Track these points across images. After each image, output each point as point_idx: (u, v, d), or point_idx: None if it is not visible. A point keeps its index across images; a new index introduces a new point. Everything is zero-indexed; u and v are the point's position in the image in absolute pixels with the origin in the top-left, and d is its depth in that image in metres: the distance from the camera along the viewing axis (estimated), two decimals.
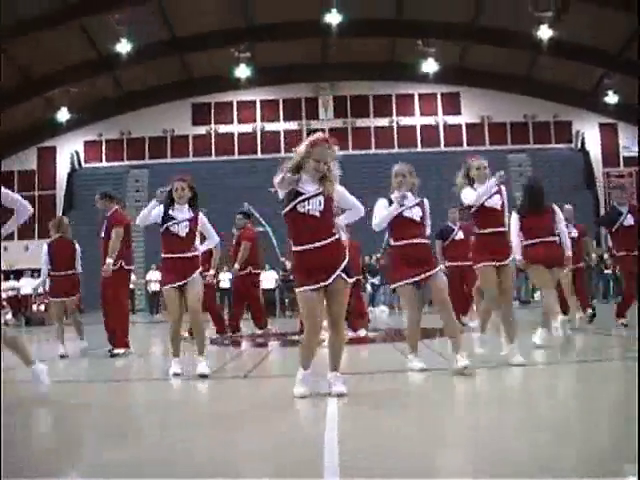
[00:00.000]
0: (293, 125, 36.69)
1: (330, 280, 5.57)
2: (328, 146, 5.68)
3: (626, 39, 29.24)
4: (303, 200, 5.60)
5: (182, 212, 7.67)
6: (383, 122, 36.48)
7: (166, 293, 7.49)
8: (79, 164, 36.47)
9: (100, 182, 34.08)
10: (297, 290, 5.65)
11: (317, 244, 5.56)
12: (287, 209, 5.63)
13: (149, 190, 34.68)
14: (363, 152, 35.45)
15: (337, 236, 5.68)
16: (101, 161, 37.20)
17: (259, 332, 13.31)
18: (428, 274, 6.78)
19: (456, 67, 34.43)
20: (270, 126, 36.97)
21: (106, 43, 30.14)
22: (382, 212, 7.01)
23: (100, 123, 36.83)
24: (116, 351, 9.98)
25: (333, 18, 29.34)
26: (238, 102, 37.15)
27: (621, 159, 34.90)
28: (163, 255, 7.56)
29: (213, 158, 36.61)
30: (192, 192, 7.85)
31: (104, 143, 37.36)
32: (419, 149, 35.70)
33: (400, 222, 7.01)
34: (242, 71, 33.83)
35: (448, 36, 31.77)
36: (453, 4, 28.20)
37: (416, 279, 6.82)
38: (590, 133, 35.53)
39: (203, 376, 7.02)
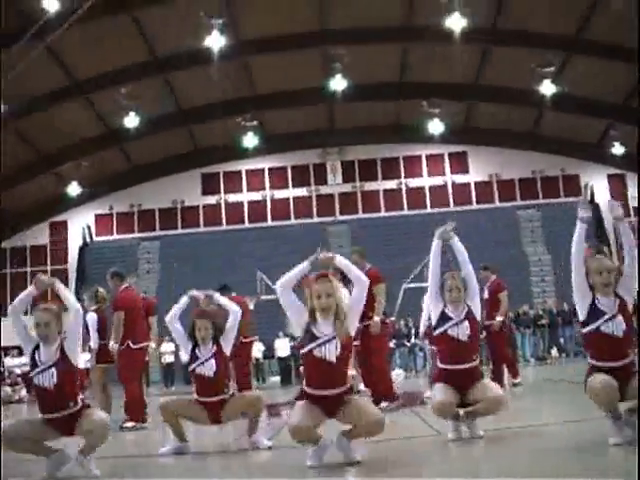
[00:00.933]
0: (302, 191, 36.84)
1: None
2: (328, 279, 5.59)
3: (629, 90, 29.37)
4: (319, 345, 5.48)
5: (207, 350, 7.17)
6: (391, 184, 36.56)
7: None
8: (90, 237, 36.61)
9: (111, 256, 34.29)
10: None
11: (328, 392, 5.47)
12: (304, 351, 5.54)
13: (160, 261, 34.79)
14: (373, 215, 35.54)
15: (349, 385, 5.54)
16: (112, 234, 37.33)
17: None
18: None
19: (462, 126, 34.62)
20: (279, 193, 37.09)
21: (114, 117, 30.49)
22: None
23: (111, 196, 37.05)
24: (126, 425, 9.92)
25: (338, 84, 29.58)
26: (247, 170, 37.35)
27: (631, 209, 34.80)
28: (195, 396, 7.16)
29: (224, 227, 36.70)
30: (215, 328, 7.28)
31: (115, 216, 37.54)
32: (428, 210, 35.69)
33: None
34: (249, 140, 34.10)
35: (452, 96, 32.02)
36: (456, 65, 28.43)
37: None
38: (599, 185, 35.48)
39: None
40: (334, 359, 5.42)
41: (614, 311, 5.39)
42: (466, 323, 6.34)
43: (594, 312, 5.44)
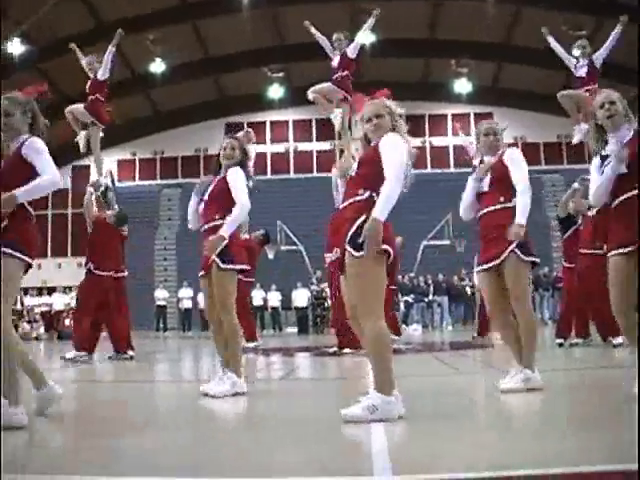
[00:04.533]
0: (325, 145, 36.72)
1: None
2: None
3: None
4: None
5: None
6: (416, 142, 36.19)
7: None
8: (112, 182, 36.60)
9: (133, 201, 34.42)
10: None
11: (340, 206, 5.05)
12: None
13: (181, 209, 34.87)
14: None
15: (356, 198, 4.72)
16: (134, 180, 37.42)
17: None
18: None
19: (489, 87, 34.34)
20: (303, 146, 37.02)
21: (140, 62, 30.42)
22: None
23: (134, 142, 37.08)
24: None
25: (366, 38, 29.30)
26: (271, 122, 37.26)
27: None
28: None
29: None
30: (243, 153, 6.59)
31: (137, 162, 37.63)
32: (452, 169, 35.54)
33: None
34: (275, 91, 34.01)
35: (481, 56, 31.71)
36: (487, 24, 28.11)
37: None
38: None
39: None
40: (353, 173, 4.94)
41: None
42: None
43: None
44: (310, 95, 12.98)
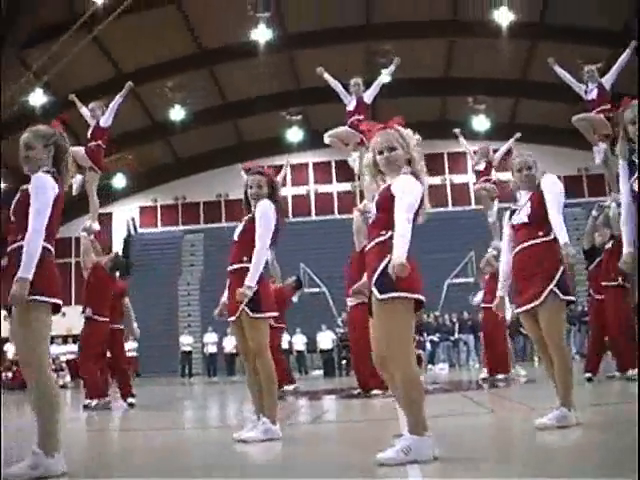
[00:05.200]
0: (346, 186, 36.77)
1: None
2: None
3: None
4: None
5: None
6: (436, 180, 36.40)
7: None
8: (135, 229, 36.88)
9: (156, 247, 34.58)
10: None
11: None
12: None
13: (204, 254, 34.96)
14: None
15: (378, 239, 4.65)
16: (156, 226, 37.61)
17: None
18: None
19: (507, 123, 34.33)
20: (323, 188, 37.13)
21: (160, 110, 30.73)
22: None
23: (155, 189, 37.34)
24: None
25: (384, 79, 29.45)
26: (291, 165, 37.37)
27: None
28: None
29: None
30: (271, 188, 6.33)
31: (159, 208, 37.84)
32: (473, 206, 35.45)
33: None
34: (294, 134, 34.23)
35: (498, 92, 31.79)
36: (502, 60, 28.21)
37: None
38: None
39: None
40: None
41: None
42: None
43: None
44: (327, 139, 13.11)
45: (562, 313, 5.86)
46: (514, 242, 6.07)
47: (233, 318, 6.23)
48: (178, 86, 28.94)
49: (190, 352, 28.38)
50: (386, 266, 4.44)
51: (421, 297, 4.51)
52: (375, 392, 10.58)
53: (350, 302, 11.02)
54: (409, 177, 4.70)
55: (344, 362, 24.83)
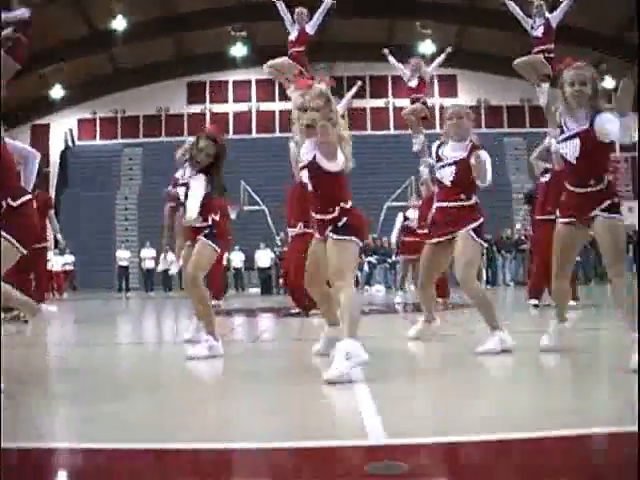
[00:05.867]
0: (288, 105, 36.40)
1: None
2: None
3: (623, 23, 29.17)
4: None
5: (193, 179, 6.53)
6: (379, 103, 36.33)
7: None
8: (73, 142, 36.25)
9: (94, 160, 34.05)
10: None
11: None
12: None
13: (143, 168, 34.60)
14: (359, 133, 35.31)
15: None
16: (95, 139, 37.02)
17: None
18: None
19: (453, 49, 34.22)
20: (265, 105, 36.80)
21: (101, 19, 29.95)
22: None
23: (94, 101, 36.62)
24: None
25: (327, 4, 29.09)
26: (233, 81, 37.00)
27: (617, 145, 34.74)
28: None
29: None
30: (214, 153, 6.52)
31: (98, 121, 37.19)
32: None
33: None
34: (238, 50, 33.72)
35: (445, 18, 31.64)
36: None
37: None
38: None
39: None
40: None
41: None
42: None
43: None
44: (266, 69, 13.13)
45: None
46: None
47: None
48: None
49: (127, 267, 28.26)
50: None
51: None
52: (314, 312, 10.67)
53: (291, 232, 11.01)
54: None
55: (281, 280, 24.97)
